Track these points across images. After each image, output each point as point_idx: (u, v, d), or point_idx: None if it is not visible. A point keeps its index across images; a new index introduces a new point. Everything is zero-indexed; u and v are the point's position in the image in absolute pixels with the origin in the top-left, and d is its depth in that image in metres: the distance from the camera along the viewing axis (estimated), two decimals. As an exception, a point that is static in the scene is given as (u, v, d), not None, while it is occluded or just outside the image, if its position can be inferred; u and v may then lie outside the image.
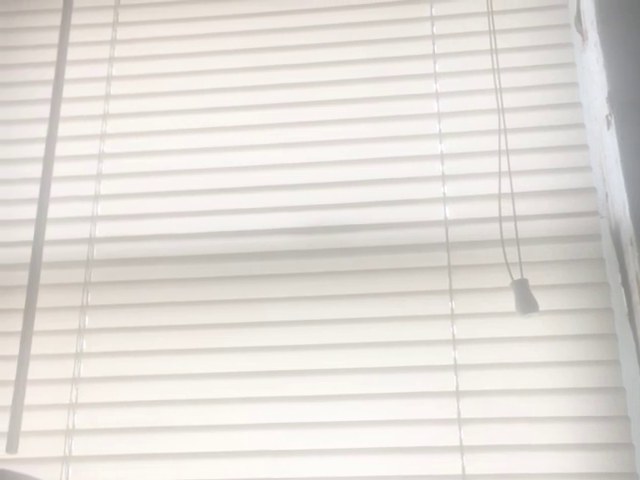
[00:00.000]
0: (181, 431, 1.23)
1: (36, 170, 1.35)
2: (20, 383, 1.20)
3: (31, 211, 1.33)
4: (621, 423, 1.17)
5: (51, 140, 1.35)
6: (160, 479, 1.21)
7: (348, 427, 1.21)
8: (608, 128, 1.29)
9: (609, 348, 1.21)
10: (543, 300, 1.20)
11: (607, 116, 1.29)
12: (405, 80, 1.41)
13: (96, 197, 1.39)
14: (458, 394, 1.21)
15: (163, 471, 1.21)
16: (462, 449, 1.18)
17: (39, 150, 1.37)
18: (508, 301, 1.22)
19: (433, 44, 1.44)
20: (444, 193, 1.33)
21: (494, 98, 1.35)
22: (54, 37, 1.42)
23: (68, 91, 1.41)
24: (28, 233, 1.32)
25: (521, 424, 1.19)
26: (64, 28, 1.39)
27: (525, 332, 1.23)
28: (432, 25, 1.45)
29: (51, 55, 1.44)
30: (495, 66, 1.36)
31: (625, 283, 1.24)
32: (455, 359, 1.23)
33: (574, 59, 1.41)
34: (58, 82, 1.39)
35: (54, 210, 1.34)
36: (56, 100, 1.37)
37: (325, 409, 1.22)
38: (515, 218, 1.27)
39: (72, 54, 1.43)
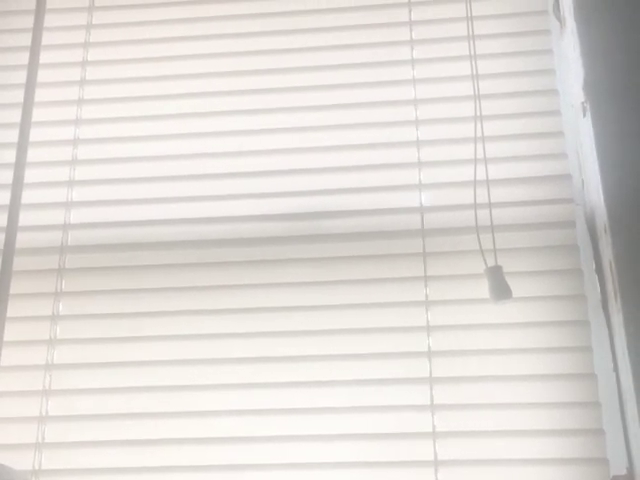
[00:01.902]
0: (155, 417, 1.23)
1: (10, 155, 1.34)
2: (-7, 369, 1.19)
3: (4, 197, 1.31)
4: (592, 409, 1.17)
5: (25, 125, 1.34)
6: (134, 465, 1.20)
7: (321, 413, 1.21)
8: (584, 115, 1.29)
9: (582, 335, 1.22)
10: (517, 287, 1.20)
11: (583, 103, 1.30)
12: (382, 67, 1.41)
13: (70, 183, 1.38)
14: (431, 380, 1.21)
15: (137, 457, 1.21)
16: (435, 435, 1.18)
17: (13, 135, 1.35)
18: (482, 288, 1.22)
19: (410, 31, 1.43)
20: (420, 180, 1.33)
21: (471, 85, 1.34)
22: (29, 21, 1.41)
23: (43, 76, 1.39)
24: (1, 219, 1.30)
25: (494, 410, 1.19)
26: (39, 12, 1.38)
27: (499, 319, 1.23)
28: (409, 11, 1.44)
29: (26, 40, 1.42)
30: (472, 53, 1.35)
31: (599, 270, 1.24)
32: (429, 345, 1.23)
33: (551, 46, 1.40)
34: (33, 66, 1.38)
35: (28, 196, 1.33)
36: (30, 85, 1.36)
37: (299, 395, 1.22)
38: (490, 205, 1.26)
39: (47, 39, 1.41)
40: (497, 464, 1.17)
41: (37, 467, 1.20)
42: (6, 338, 1.22)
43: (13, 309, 1.25)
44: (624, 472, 1.13)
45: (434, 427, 1.19)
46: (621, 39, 1.30)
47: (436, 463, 1.17)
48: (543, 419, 1.18)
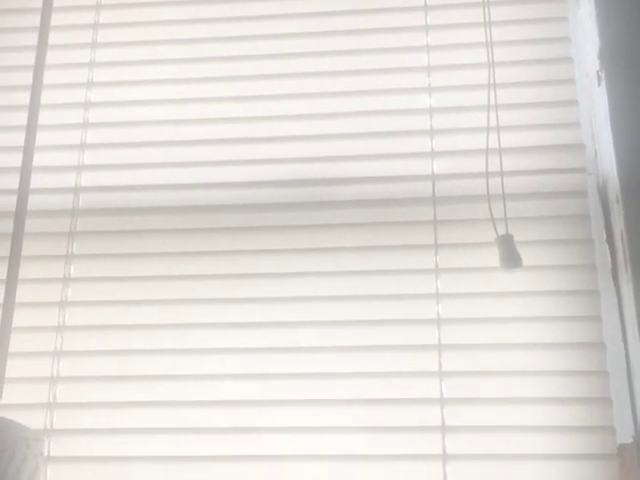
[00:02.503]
0: (165, 380, 1.24)
1: (22, 118, 1.34)
2: (5, 330, 1.20)
3: (17, 159, 1.32)
4: (600, 378, 1.18)
5: (37, 88, 1.34)
6: (145, 426, 1.22)
7: (325, 379, 1.22)
8: (599, 84, 1.28)
9: (591, 304, 1.21)
10: (527, 256, 1.20)
11: (598, 72, 1.28)
12: (396, 32, 1.40)
13: (82, 146, 1.38)
14: (440, 347, 1.22)
15: (147, 419, 1.22)
16: (442, 402, 1.19)
17: (25, 98, 1.35)
18: (493, 256, 1.22)
19: (425, -2, 1.42)
20: (432, 147, 1.33)
21: (485, 52, 1.33)
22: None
23: (54, 39, 1.39)
24: (14, 181, 1.31)
25: (502, 377, 1.20)
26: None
27: (509, 287, 1.23)
28: (425, -21, 1.43)
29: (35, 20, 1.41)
30: (487, 19, 1.34)
31: (610, 240, 1.24)
32: (438, 313, 1.23)
33: (567, 13, 1.39)
34: (44, 29, 1.37)
35: (40, 159, 1.33)
36: (42, 47, 1.36)
37: (303, 361, 1.23)
38: (502, 174, 1.26)
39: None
40: (504, 431, 1.17)
41: (49, 426, 1.22)
42: (18, 300, 1.23)
43: (25, 271, 1.26)
44: (630, 440, 1.14)
45: (442, 393, 1.19)
46: (638, 8, 1.28)
47: (443, 429, 1.18)
48: (551, 387, 1.18)
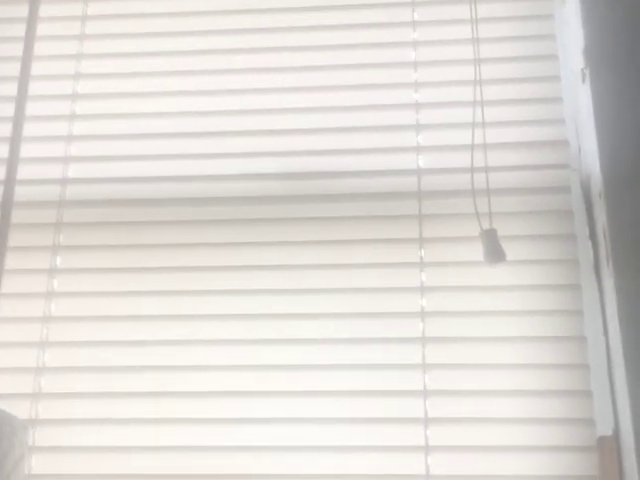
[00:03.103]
0: (151, 371, 1.24)
1: (9, 109, 1.34)
2: (-10, 321, 1.21)
3: (3, 151, 1.32)
4: (581, 371, 1.19)
5: (24, 80, 1.34)
6: (131, 417, 1.22)
7: (312, 370, 1.23)
8: (583, 81, 1.30)
9: (573, 298, 1.23)
10: (511, 250, 1.22)
11: (582, 69, 1.30)
12: (383, 28, 1.41)
13: (69, 138, 1.38)
14: (424, 340, 1.23)
15: (134, 409, 1.23)
16: (425, 393, 1.20)
17: (12, 89, 1.35)
18: (477, 250, 1.23)
19: (412, -7, 1.43)
20: (418, 142, 1.34)
21: (471, 48, 1.34)
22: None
23: (43, 30, 1.39)
24: (0, 172, 1.31)
25: (484, 370, 1.21)
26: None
27: (492, 281, 1.25)
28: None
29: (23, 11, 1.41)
30: (473, 16, 1.35)
31: (592, 236, 1.26)
32: (422, 306, 1.25)
33: (553, 11, 1.40)
34: (32, 22, 1.37)
35: (26, 150, 1.33)
36: (30, 39, 1.36)
37: (291, 352, 1.24)
38: (487, 169, 1.27)
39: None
40: (485, 422, 1.19)
41: (34, 416, 1.22)
42: (4, 290, 1.24)
43: (12, 262, 1.27)
44: (610, 433, 1.16)
45: (425, 385, 1.21)
46: (623, 6, 1.30)
47: (426, 421, 1.19)
48: (533, 379, 1.20)
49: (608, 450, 1.15)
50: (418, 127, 1.34)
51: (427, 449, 1.18)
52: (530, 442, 1.17)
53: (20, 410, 1.19)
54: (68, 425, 1.22)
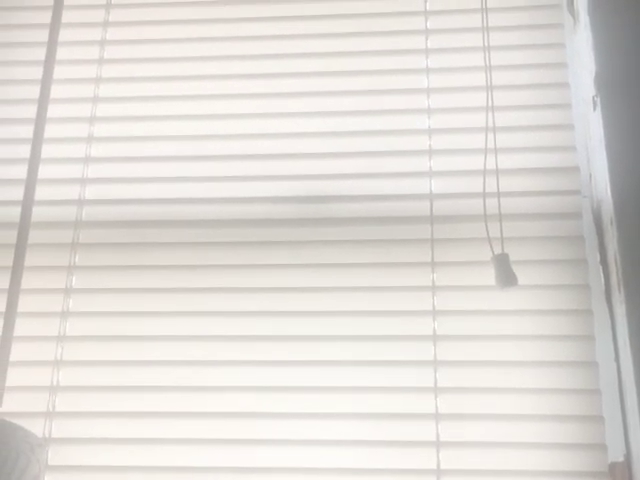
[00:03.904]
0: (165, 391, 1.25)
1: (28, 131, 1.36)
2: (6, 339, 1.21)
3: (22, 171, 1.33)
4: (593, 396, 1.20)
5: (43, 101, 1.36)
6: (144, 437, 1.23)
7: (325, 393, 1.23)
8: (594, 109, 1.31)
9: (585, 324, 1.24)
10: (523, 275, 1.22)
11: (593, 97, 1.31)
12: (396, 55, 1.43)
13: (86, 159, 1.40)
14: (436, 363, 1.23)
15: (146, 429, 1.23)
16: (437, 417, 1.20)
17: (31, 111, 1.37)
18: (488, 275, 1.24)
19: (425, 20, 1.45)
20: (430, 167, 1.35)
21: (483, 75, 1.36)
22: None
23: (62, 54, 1.42)
24: (18, 193, 1.32)
25: (496, 394, 1.21)
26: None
27: (504, 306, 1.25)
28: (425, 2, 1.46)
29: (46, 17, 1.44)
30: (486, 44, 1.37)
31: (604, 262, 1.26)
32: (434, 330, 1.25)
33: (564, 40, 1.42)
34: (51, 45, 1.39)
35: (44, 171, 1.35)
36: (49, 62, 1.38)
37: (304, 374, 1.25)
38: (499, 194, 1.29)
39: (66, 17, 1.43)
40: (498, 447, 1.19)
41: (47, 435, 1.23)
42: (20, 309, 1.24)
43: (28, 281, 1.27)
44: (621, 459, 1.16)
45: (437, 409, 1.21)
46: (634, 35, 1.32)
47: (438, 444, 1.19)
48: (544, 404, 1.20)
49: (620, 476, 1.15)
50: (431, 152, 1.36)
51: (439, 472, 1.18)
52: (541, 467, 1.17)
53: (34, 429, 1.19)
54: (82, 444, 1.23)
